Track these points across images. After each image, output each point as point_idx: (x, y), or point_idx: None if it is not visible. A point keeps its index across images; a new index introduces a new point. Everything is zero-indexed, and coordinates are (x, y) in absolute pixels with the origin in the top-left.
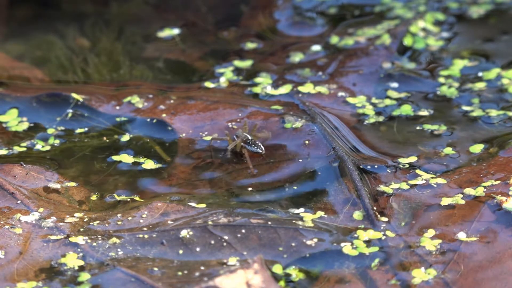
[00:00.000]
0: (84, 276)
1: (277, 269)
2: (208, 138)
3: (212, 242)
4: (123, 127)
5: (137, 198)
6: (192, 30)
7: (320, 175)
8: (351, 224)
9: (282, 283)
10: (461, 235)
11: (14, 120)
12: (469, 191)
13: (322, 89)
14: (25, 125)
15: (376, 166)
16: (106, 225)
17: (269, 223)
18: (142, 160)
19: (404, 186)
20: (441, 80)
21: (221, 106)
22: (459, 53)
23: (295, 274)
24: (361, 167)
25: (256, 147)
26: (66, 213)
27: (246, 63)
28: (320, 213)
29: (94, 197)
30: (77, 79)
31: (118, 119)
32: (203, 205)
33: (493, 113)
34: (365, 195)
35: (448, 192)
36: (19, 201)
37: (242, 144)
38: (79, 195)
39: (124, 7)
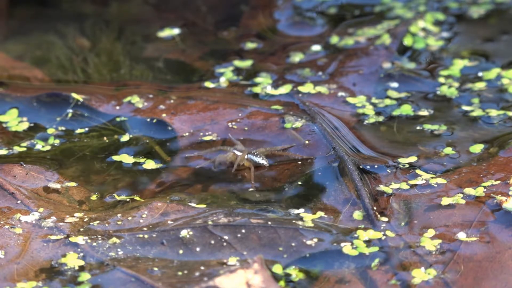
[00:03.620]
0: (84, 276)
1: (277, 269)
2: (209, 138)
3: (212, 242)
4: (123, 127)
5: (137, 198)
6: (192, 30)
7: (320, 175)
8: (351, 224)
9: (282, 283)
10: (461, 235)
11: (14, 120)
12: (469, 191)
13: (322, 89)
14: (25, 125)
15: (376, 166)
16: (106, 225)
17: (269, 223)
18: (142, 160)
19: (404, 186)
20: (441, 80)
21: (221, 106)
22: (459, 53)
23: (295, 274)
24: (361, 167)
25: (261, 158)
26: (66, 213)
27: (246, 63)
28: (320, 213)
29: (94, 197)
30: (77, 79)
31: (118, 119)
32: (203, 205)
33: (493, 113)
34: (365, 195)
35: (448, 192)
36: (19, 201)
37: (246, 156)
38: (79, 195)
39: (124, 7)
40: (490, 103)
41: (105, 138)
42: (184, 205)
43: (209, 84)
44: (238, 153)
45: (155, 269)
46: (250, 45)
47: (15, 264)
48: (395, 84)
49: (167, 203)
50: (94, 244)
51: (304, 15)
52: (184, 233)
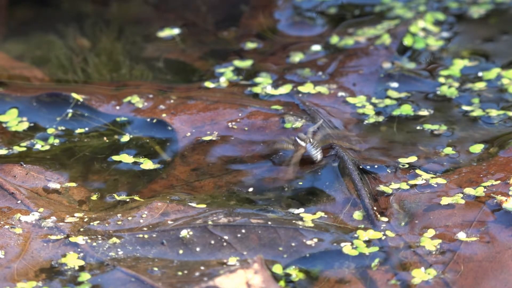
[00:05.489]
0: (84, 276)
1: (277, 269)
2: (209, 138)
3: (212, 242)
4: (123, 127)
5: (137, 198)
6: (192, 30)
7: (320, 175)
8: (351, 224)
9: (282, 283)
10: (461, 235)
11: (14, 120)
12: (469, 191)
13: (322, 89)
14: (25, 125)
15: (376, 166)
16: (106, 225)
17: (269, 223)
18: (142, 160)
19: (404, 186)
20: (441, 80)
21: (221, 106)
22: (459, 53)
23: (295, 274)
24: (361, 167)
25: (316, 152)
26: (66, 213)
27: (246, 63)
28: (320, 213)
29: (94, 197)
30: (77, 79)
31: (118, 119)
32: (203, 205)
33: (493, 113)
34: (365, 195)
35: (448, 192)
36: (19, 201)
37: (304, 145)
38: (79, 195)
39: (124, 7)
40: (490, 103)
41: (105, 138)
42: (184, 205)
43: (209, 84)
44: (302, 143)
45: (155, 269)
46: (250, 45)
47: (15, 264)
48: (395, 84)
49: (167, 203)
50: (94, 244)
51: (304, 15)
52: (184, 233)
